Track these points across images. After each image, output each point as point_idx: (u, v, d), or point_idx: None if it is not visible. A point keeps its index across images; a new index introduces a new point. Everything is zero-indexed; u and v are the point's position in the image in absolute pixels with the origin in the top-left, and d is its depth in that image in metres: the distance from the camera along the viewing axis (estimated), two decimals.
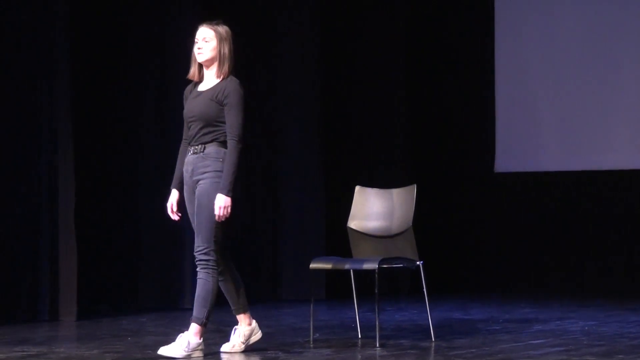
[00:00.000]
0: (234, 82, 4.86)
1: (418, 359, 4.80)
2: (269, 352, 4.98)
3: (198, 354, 4.77)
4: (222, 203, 4.73)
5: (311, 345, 5.22)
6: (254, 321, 5.02)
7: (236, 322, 5.01)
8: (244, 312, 4.98)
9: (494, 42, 8.37)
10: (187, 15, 7.15)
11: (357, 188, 5.62)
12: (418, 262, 5.31)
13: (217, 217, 4.73)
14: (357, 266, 5.24)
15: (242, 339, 4.97)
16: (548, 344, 5.22)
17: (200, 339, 4.78)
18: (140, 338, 5.52)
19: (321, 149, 7.90)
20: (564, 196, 8.28)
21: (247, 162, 7.85)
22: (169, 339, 4.91)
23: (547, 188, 8.34)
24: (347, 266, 5.29)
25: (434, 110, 8.64)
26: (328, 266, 5.39)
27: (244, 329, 4.98)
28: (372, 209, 5.53)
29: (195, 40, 4.90)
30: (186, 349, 4.74)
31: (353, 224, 5.52)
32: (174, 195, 4.93)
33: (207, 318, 4.80)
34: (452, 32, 8.63)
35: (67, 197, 6.44)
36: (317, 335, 5.47)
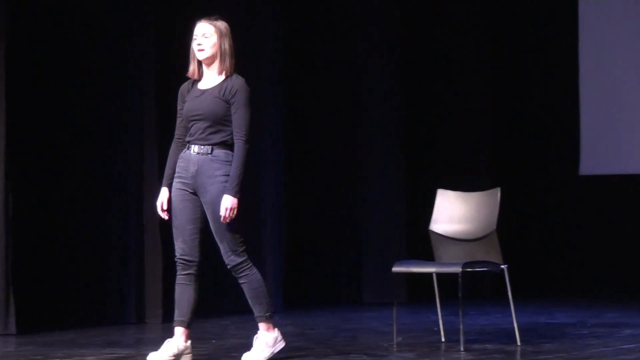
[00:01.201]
0: (240, 80, 4.69)
1: None
2: (353, 355, 4.98)
3: (280, 344, 4.76)
4: (228, 204, 4.57)
5: (395, 349, 5.20)
6: (189, 341, 4.76)
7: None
8: (185, 327, 4.73)
9: (578, 42, 8.23)
10: (268, 39, 7.23)
11: (439, 191, 5.58)
12: (502, 266, 5.24)
13: (222, 219, 4.59)
14: (441, 270, 5.20)
15: (175, 351, 4.69)
16: (639, 349, 5.10)
17: (274, 330, 4.75)
18: (224, 341, 5.58)
19: (402, 153, 7.87)
20: None
21: (330, 167, 7.94)
22: (251, 342, 4.93)
23: (633, 191, 8.15)
24: (431, 270, 5.26)
25: (517, 112, 8.53)
26: (412, 270, 5.36)
27: (180, 343, 4.72)
28: (455, 212, 5.48)
29: (194, 37, 4.70)
30: (268, 348, 4.73)
31: (435, 227, 5.47)
32: (165, 193, 4.74)
33: (269, 310, 4.73)
34: (535, 33, 8.51)
35: (152, 202, 6.53)
36: (400, 338, 5.45)
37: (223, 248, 4.67)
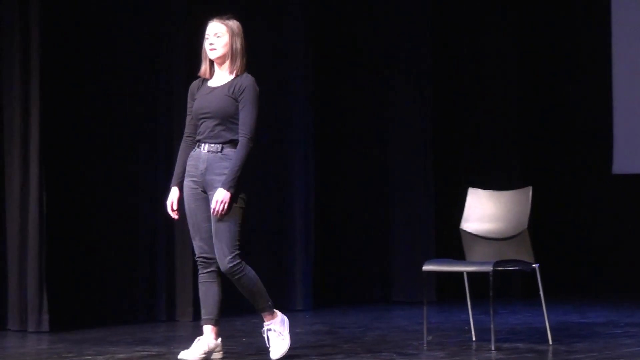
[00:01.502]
0: (249, 78, 4.68)
1: None
2: (383, 354, 4.97)
3: (286, 319, 4.80)
4: (220, 197, 4.54)
5: (425, 348, 5.19)
6: (219, 338, 4.80)
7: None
8: (214, 324, 4.76)
9: (611, 39, 8.14)
10: (299, 40, 7.23)
11: (470, 190, 5.55)
12: (534, 265, 5.21)
13: (212, 211, 4.57)
14: (472, 269, 5.18)
15: (206, 349, 4.72)
16: None
17: (277, 313, 4.78)
18: (254, 339, 5.58)
19: (432, 151, 7.85)
20: None
21: (359, 166, 7.94)
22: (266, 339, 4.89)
23: None
24: (463, 269, 5.24)
25: (549, 110, 8.47)
26: (442, 268, 5.34)
27: (210, 341, 4.74)
28: (486, 211, 5.45)
29: (206, 36, 4.70)
30: (284, 333, 4.75)
31: (466, 226, 5.45)
32: (175, 193, 4.74)
33: (269, 300, 4.75)
34: (566, 29, 8.44)
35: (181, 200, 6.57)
36: (431, 337, 5.43)
37: (220, 248, 4.63)
